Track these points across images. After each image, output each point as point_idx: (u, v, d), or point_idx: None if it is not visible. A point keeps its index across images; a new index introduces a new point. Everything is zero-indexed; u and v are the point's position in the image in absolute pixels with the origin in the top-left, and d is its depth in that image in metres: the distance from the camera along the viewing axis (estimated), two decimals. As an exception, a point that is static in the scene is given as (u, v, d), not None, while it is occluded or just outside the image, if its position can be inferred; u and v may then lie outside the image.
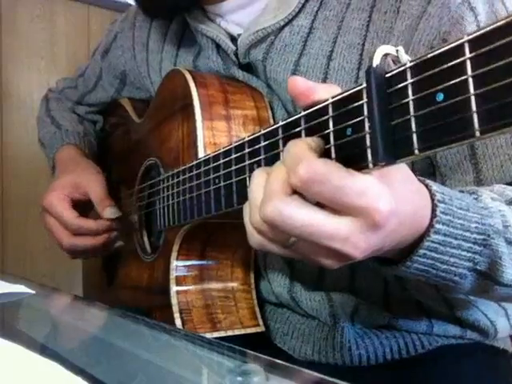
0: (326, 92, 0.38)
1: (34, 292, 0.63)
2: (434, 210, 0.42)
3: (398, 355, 0.66)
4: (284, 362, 0.36)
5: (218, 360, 0.41)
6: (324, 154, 0.37)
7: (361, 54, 0.61)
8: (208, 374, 0.40)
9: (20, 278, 0.70)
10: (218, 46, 0.73)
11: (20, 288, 0.63)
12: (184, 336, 0.51)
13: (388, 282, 0.66)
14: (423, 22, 0.57)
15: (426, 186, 0.43)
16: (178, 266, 0.69)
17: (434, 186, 0.43)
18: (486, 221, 0.44)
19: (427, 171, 0.61)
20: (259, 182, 0.39)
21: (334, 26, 0.64)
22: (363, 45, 0.61)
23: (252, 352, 0.38)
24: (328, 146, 0.37)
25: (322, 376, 0.33)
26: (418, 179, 0.43)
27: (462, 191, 0.47)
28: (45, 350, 0.44)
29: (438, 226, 0.41)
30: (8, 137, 1.60)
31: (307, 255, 0.39)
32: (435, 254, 0.43)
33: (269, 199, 0.36)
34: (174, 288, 0.68)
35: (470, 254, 0.44)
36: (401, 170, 0.39)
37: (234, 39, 0.72)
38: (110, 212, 0.82)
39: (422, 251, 0.42)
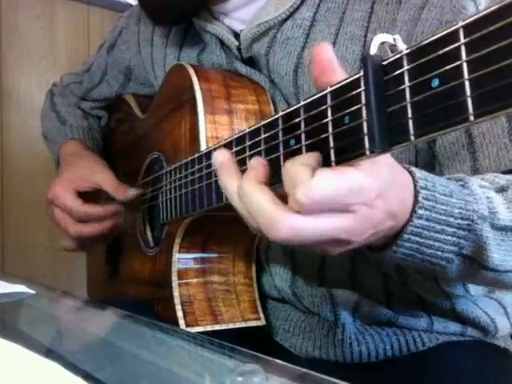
0: (340, 75, 0.38)
1: (34, 292, 0.63)
2: (416, 196, 0.43)
3: (399, 352, 0.66)
4: (284, 362, 0.36)
5: (218, 360, 0.41)
6: (322, 143, 0.38)
7: (363, 46, 0.62)
8: (208, 374, 0.40)
9: (20, 278, 0.70)
10: (221, 42, 0.74)
11: (20, 288, 0.63)
12: (184, 336, 0.51)
13: (389, 279, 0.66)
14: (425, 13, 0.57)
15: (410, 172, 0.44)
16: (179, 258, 0.69)
17: (418, 173, 0.44)
18: (470, 206, 0.45)
19: (430, 162, 0.61)
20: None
21: (336, 18, 0.64)
22: (365, 36, 0.62)
23: (252, 352, 0.38)
24: (326, 135, 0.38)
25: (322, 376, 0.33)
26: (403, 167, 0.44)
27: (450, 178, 0.48)
28: (45, 350, 0.44)
29: (420, 211, 0.43)
30: (8, 137, 1.60)
31: (311, 249, 0.42)
32: (419, 238, 0.44)
33: (274, 223, 0.38)
34: (175, 280, 0.69)
35: (454, 239, 0.45)
36: (388, 163, 0.40)
37: (237, 35, 0.72)
38: (133, 192, 0.81)
39: (406, 236, 0.44)
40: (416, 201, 0.43)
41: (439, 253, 0.46)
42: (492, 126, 0.55)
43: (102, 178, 0.83)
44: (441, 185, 0.45)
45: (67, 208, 0.80)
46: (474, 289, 0.64)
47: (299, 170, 0.37)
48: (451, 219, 0.45)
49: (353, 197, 0.37)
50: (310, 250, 0.43)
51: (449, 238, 0.45)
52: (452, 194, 0.45)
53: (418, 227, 0.43)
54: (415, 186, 0.43)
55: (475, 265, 0.48)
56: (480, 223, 0.45)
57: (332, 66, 0.38)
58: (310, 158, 0.39)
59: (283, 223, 0.37)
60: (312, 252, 0.43)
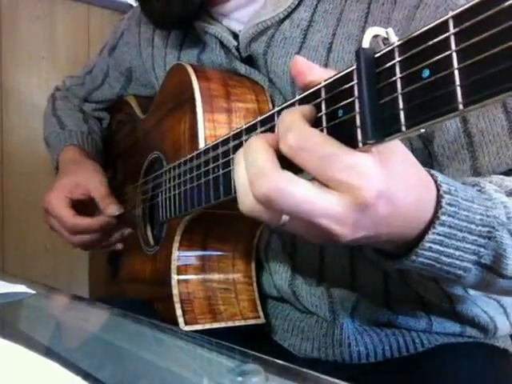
0: (324, 73, 0.38)
1: (34, 292, 0.63)
2: (439, 202, 0.40)
3: (398, 353, 0.66)
4: (284, 362, 0.36)
5: (218, 360, 0.41)
6: None
7: None
8: (208, 373, 0.40)
9: (20, 278, 0.70)
10: (221, 42, 0.74)
11: (20, 288, 0.63)
12: (184, 336, 0.51)
13: (388, 279, 0.66)
14: (419, 12, 0.58)
15: (432, 175, 0.42)
16: (179, 256, 0.70)
17: (440, 177, 0.42)
18: (491, 212, 0.43)
19: (427, 162, 0.61)
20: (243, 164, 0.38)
21: (334, 19, 0.65)
22: None
23: (252, 352, 0.38)
24: (320, 128, 0.38)
25: (322, 376, 0.33)
26: (424, 169, 0.42)
27: (465, 183, 0.47)
28: (45, 350, 0.44)
29: (443, 217, 0.40)
30: (8, 136, 1.60)
31: (297, 232, 0.39)
32: (440, 247, 0.42)
33: (263, 175, 0.36)
34: (175, 278, 0.69)
35: (474, 247, 0.43)
36: (405, 157, 0.38)
37: (236, 35, 0.73)
38: (112, 209, 0.83)
39: (427, 244, 0.41)
40: (439, 206, 0.40)
41: (458, 262, 0.43)
42: (491, 124, 0.54)
43: (94, 186, 0.85)
44: (462, 190, 0.42)
45: (58, 218, 0.83)
46: (473, 288, 0.63)
47: (297, 116, 0.36)
48: (473, 226, 0.42)
49: (349, 173, 0.34)
50: (287, 228, 0.39)
51: (469, 246, 0.43)
52: (473, 200, 0.43)
53: (441, 235, 0.41)
54: (438, 190, 0.41)
55: (492, 273, 0.46)
56: (500, 230, 0.43)
57: (309, 67, 0.38)
58: (306, 108, 0.38)
59: (270, 178, 0.35)
60: (288, 232, 0.40)
